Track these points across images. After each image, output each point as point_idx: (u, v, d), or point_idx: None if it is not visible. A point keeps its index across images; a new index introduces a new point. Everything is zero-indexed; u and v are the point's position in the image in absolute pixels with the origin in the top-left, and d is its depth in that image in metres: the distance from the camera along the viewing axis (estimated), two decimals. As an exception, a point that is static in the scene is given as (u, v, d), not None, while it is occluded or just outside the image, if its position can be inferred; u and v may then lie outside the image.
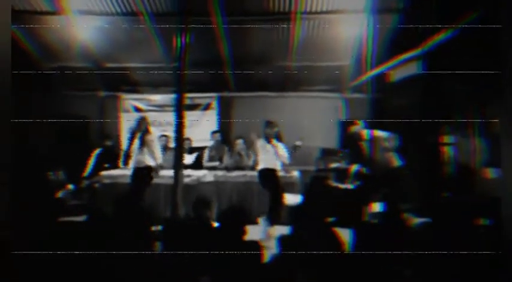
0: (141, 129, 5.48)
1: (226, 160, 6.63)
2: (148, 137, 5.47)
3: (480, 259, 2.11)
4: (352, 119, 6.12)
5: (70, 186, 5.75)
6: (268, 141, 5.24)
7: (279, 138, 5.43)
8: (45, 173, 5.74)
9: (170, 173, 4.99)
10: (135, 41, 6.71)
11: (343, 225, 2.72)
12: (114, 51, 7.03)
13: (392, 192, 4.73)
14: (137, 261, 2.40)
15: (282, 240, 2.35)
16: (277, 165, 5.24)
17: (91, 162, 6.67)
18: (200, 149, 7.06)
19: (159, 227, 2.89)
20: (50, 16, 6.33)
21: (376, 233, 2.49)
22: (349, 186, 5.69)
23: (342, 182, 5.85)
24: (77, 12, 6.20)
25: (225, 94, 7.95)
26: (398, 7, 5.95)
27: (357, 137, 5.37)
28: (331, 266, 2.12)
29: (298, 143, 5.39)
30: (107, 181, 5.97)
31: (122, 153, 6.77)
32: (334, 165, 6.57)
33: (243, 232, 2.81)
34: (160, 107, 7.96)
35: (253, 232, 3.64)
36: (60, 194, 5.50)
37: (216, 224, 3.16)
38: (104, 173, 6.15)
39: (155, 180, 5.56)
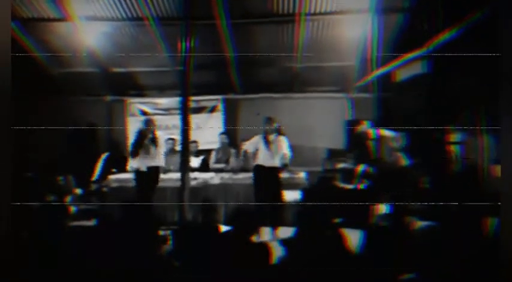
0: (149, 131, 5.51)
1: (233, 162, 6.65)
2: (156, 139, 5.50)
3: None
4: (358, 119, 6.11)
5: (78, 191, 5.80)
6: (266, 137, 5.23)
7: (281, 134, 5.42)
8: (54, 178, 5.80)
9: (177, 175, 5.01)
10: (141, 45, 6.77)
11: (350, 227, 2.72)
12: (120, 56, 7.10)
13: (400, 192, 4.71)
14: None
15: (288, 241, 2.36)
16: (276, 163, 5.23)
17: (99, 166, 6.72)
18: (207, 152, 7.09)
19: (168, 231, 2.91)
20: (57, 23, 6.42)
21: (382, 235, 2.49)
22: (359, 186, 5.67)
23: (349, 182, 5.84)
24: (83, 18, 6.27)
25: (231, 96, 7.98)
26: (403, 6, 5.94)
27: (364, 136, 5.36)
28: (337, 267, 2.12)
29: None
30: (115, 185, 6.01)
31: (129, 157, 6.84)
32: (341, 165, 6.56)
33: (252, 234, 2.82)
34: (167, 111, 8.00)
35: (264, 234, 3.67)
36: (68, 199, 5.55)
37: (222, 227, 3.18)
38: (112, 176, 6.20)
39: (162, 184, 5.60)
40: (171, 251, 2.81)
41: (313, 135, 7.54)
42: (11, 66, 2.31)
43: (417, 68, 5.86)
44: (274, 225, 4.92)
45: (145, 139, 5.44)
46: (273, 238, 4.62)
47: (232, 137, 7.41)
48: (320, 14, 6.11)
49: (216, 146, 7.08)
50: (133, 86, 7.93)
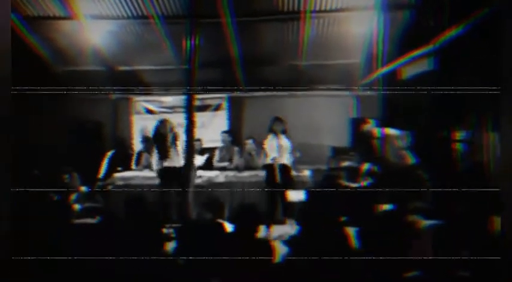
0: (169, 130, 5.50)
1: (236, 160, 6.64)
2: (177, 138, 5.51)
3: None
4: (363, 117, 6.08)
5: (83, 189, 5.83)
6: (277, 136, 5.29)
7: (286, 135, 5.45)
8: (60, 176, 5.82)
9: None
10: (146, 43, 6.78)
11: (354, 225, 2.71)
12: (126, 54, 7.11)
13: (405, 191, 4.67)
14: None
15: (292, 239, 2.35)
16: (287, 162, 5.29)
17: (104, 164, 6.75)
18: (211, 150, 7.09)
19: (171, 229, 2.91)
20: (62, 21, 6.44)
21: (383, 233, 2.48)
22: (363, 184, 5.64)
23: (354, 181, 5.81)
24: (89, 17, 6.29)
25: (236, 94, 7.97)
26: (409, 3, 5.90)
27: (369, 135, 5.33)
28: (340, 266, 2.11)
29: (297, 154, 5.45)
30: (120, 183, 6.04)
31: (134, 156, 6.86)
32: (345, 164, 6.53)
33: (256, 232, 2.81)
34: (172, 109, 8.01)
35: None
36: (73, 197, 5.58)
37: (227, 224, 3.18)
38: (117, 175, 6.22)
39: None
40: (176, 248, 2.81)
41: (318, 133, 7.52)
42: (10, 64, 2.30)
43: (423, 66, 5.82)
44: (282, 223, 4.95)
45: (171, 137, 5.44)
46: (280, 235, 4.61)
47: (236, 135, 7.42)
48: (325, 11, 6.08)
49: (219, 144, 7.09)
50: (139, 84, 7.95)
